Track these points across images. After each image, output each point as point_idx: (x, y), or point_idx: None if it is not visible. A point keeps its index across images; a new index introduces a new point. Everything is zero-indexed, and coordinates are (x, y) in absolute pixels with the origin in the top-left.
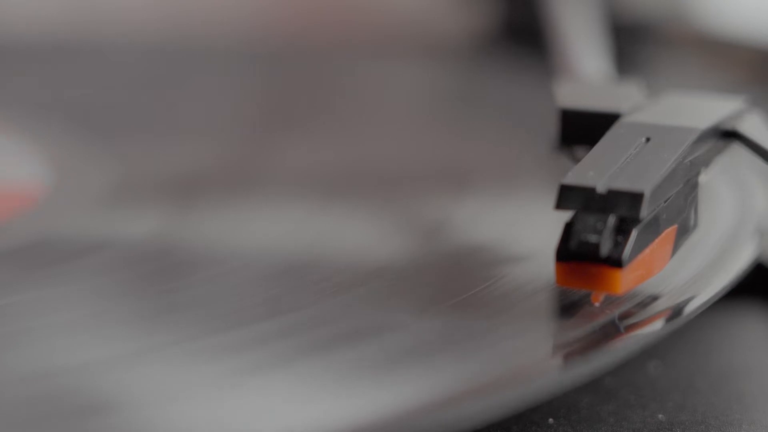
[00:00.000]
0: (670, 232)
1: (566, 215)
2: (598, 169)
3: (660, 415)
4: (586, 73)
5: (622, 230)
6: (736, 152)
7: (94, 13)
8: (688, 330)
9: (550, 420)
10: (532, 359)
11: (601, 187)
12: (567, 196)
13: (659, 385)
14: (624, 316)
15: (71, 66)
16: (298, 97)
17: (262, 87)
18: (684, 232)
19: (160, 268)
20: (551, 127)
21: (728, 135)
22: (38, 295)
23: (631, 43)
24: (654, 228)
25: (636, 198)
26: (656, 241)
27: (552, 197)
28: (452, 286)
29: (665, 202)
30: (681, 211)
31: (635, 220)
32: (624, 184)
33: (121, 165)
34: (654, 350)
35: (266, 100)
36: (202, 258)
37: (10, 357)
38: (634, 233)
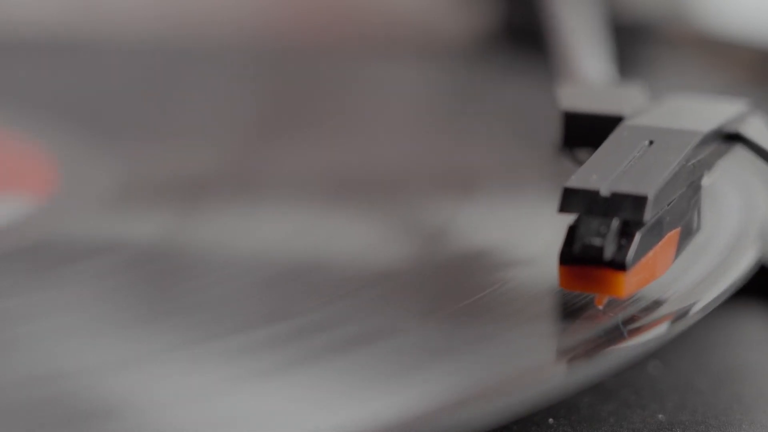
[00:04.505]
0: (673, 235)
1: (569, 218)
2: (602, 172)
3: (660, 415)
4: (589, 75)
5: (626, 233)
6: (739, 155)
7: (94, 13)
8: (689, 330)
9: (550, 420)
10: (537, 363)
11: (604, 191)
12: (570, 199)
13: (659, 385)
14: (628, 320)
15: (74, 67)
16: (301, 99)
17: (263, 88)
18: (687, 234)
19: (165, 271)
20: (554, 130)
21: (731, 138)
22: (41, 298)
23: (631, 44)
24: (657, 231)
25: (639, 201)
26: (659, 244)
27: (555, 200)
28: (456, 291)
29: (668, 205)
30: (684, 214)
31: (639, 224)
32: (627, 187)
33: (125, 167)
34: (655, 351)
35: (268, 101)
36: (205, 261)
37: (12, 359)
38: (637, 236)
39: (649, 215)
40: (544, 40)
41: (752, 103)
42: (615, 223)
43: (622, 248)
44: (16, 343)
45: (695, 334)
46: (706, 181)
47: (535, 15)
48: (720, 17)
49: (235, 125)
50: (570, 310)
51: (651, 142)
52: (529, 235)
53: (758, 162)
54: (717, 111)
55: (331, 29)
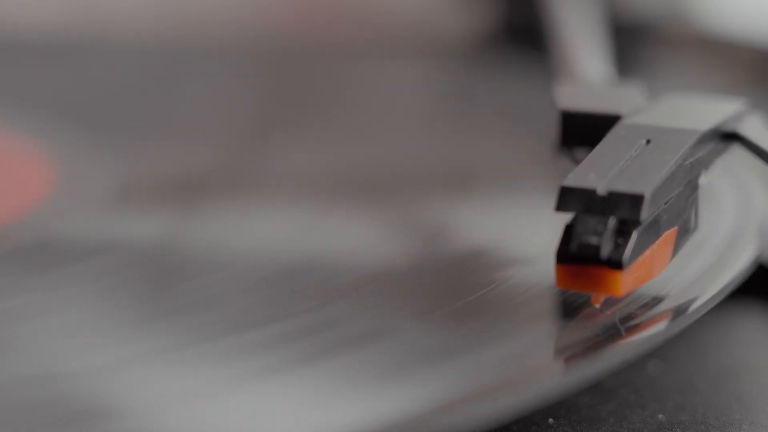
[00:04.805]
0: (670, 233)
1: (568, 217)
2: (599, 171)
3: (660, 415)
4: (587, 74)
5: (623, 232)
6: (738, 154)
7: (96, 12)
8: (688, 330)
9: (550, 420)
10: (534, 362)
11: (601, 189)
12: (567, 198)
13: (659, 385)
14: (626, 319)
15: (74, 67)
16: (300, 98)
17: (263, 87)
18: (684, 233)
19: (164, 271)
20: (552, 129)
21: (729, 137)
22: (40, 298)
23: (631, 44)
24: (654, 230)
25: (636, 200)
26: (656, 242)
27: (553, 199)
28: (454, 290)
29: (665, 203)
30: (681, 212)
31: (636, 222)
32: (624, 186)
33: (125, 167)
34: (654, 350)
35: (267, 101)
36: (204, 261)
37: (11, 359)
38: (634, 235)
39: (646, 214)
40: (543, 40)
41: (750, 102)
42: (612, 222)
43: (619, 247)
44: (16, 342)
45: (695, 334)
46: (703, 180)
47: (534, 15)
48: (720, 17)
49: (234, 125)
50: (568, 309)
51: (648, 141)
52: (527, 234)
53: (756, 161)
54: (714, 110)
55: (331, 29)
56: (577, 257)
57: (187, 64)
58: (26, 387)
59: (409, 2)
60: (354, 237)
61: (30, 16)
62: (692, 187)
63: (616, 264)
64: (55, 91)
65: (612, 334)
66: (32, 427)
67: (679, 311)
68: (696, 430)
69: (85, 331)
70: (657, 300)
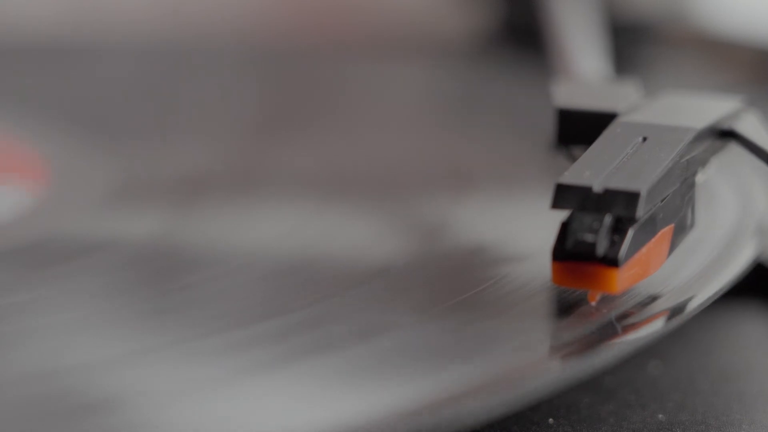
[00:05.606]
0: (666, 231)
1: (563, 214)
2: (595, 168)
3: (660, 415)
4: (584, 72)
5: (619, 229)
6: (737, 151)
7: (94, 13)
8: (688, 330)
9: (550, 420)
10: (530, 359)
11: (597, 187)
12: (563, 195)
13: (659, 385)
14: (623, 316)
15: (72, 66)
16: (299, 98)
17: (262, 87)
18: (681, 231)
19: (161, 268)
20: (549, 127)
21: (725, 134)
22: (39, 295)
23: (631, 43)
24: (650, 227)
25: (632, 197)
26: (653, 240)
27: (549, 197)
28: (451, 287)
29: (662, 201)
30: (678, 210)
31: (631, 220)
32: (620, 183)
33: (122, 165)
34: (654, 350)
35: (267, 101)
36: (202, 258)
37: (11, 356)
38: (630, 233)
39: (641, 211)
40: (542, 40)
41: (747, 99)
42: (608, 219)
43: (615, 244)
44: (14, 340)
45: (695, 334)
46: (700, 178)
47: (533, 14)
48: (720, 17)
49: (232, 124)
50: (564, 307)
51: (644, 139)
52: (523, 231)
53: (753, 159)
54: (711, 107)
55: (331, 29)
56: (572, 254)
57: (188, 65)
58: (24, 384)
59: (409, 2)
60: (352, 234)
61: (26, 17)
62: (689, 184)
63: (611, 261)
64: (51, 90)
65: (608, 331)
66: (31, 423)
67: (676, 309)
68: (696, 430)
69: (83, 328)
70: (655, 298)
